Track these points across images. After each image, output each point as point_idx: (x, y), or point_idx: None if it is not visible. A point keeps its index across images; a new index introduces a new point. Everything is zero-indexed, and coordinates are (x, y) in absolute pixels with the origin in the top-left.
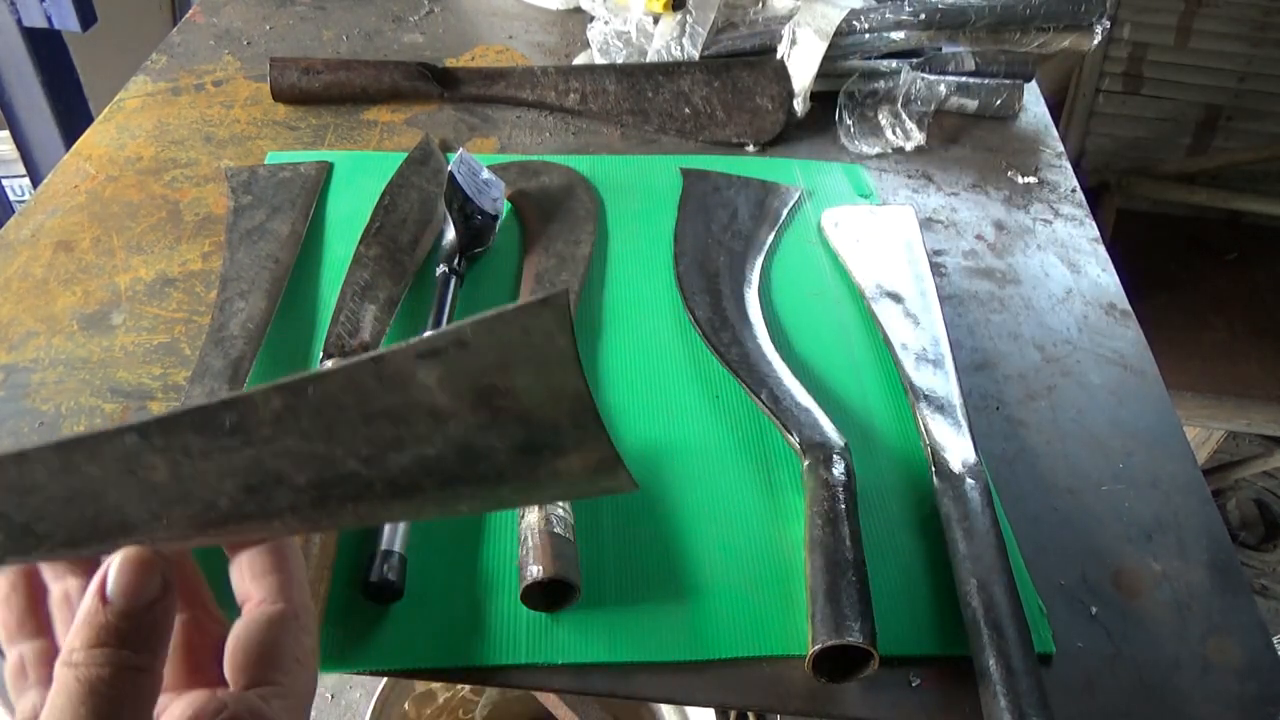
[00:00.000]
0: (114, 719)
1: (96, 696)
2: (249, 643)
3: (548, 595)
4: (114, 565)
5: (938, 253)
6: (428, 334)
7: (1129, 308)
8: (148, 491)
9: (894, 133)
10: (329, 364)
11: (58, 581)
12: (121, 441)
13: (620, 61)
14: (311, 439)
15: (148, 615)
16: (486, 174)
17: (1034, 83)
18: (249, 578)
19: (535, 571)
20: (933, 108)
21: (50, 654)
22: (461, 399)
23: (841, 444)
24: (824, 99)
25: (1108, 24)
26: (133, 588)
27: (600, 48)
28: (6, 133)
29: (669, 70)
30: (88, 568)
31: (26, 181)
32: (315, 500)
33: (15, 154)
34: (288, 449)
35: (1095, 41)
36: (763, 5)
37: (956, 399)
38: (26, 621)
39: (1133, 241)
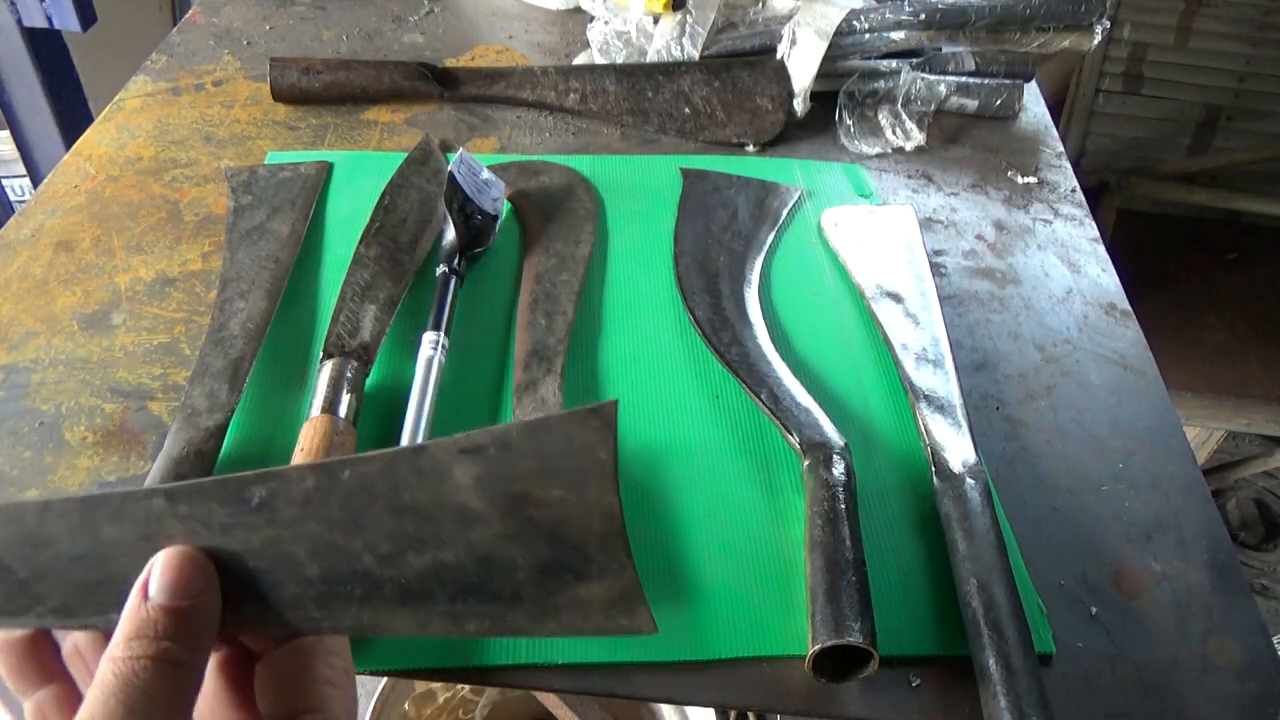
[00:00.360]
0: (148, 712)
1: (130, 689)
2: (274, 676)
3: None
4: (157, 564)
5: (938, 253)
6: (472, 431)
7: (1129, 308)
8: None
9: (894, 133)
10: (329, 365)
11: (66, 637)
12: (148, 504)
13: (620, 61)
14: (334, 526)
15: (189, 609)
16: (486, 174)
17: (1034, 83)
18: None
19: None
20: (933, 108)
21: (71, 698)
22: (494, 503)
23: (841, 444)
24: (824, 99)
25: (1108, 24)
26: (175, 584)
27: (600, 48)
28: (6, 133)
29: (669, 70)
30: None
31: (26, 181)
32: (320, 597)
33: (15, 154)
34: (308, 533)
35: (1095, 41)
36: (763, 5)
37: (956, 399)
38: (42, 671)
39: (1133, 241)
